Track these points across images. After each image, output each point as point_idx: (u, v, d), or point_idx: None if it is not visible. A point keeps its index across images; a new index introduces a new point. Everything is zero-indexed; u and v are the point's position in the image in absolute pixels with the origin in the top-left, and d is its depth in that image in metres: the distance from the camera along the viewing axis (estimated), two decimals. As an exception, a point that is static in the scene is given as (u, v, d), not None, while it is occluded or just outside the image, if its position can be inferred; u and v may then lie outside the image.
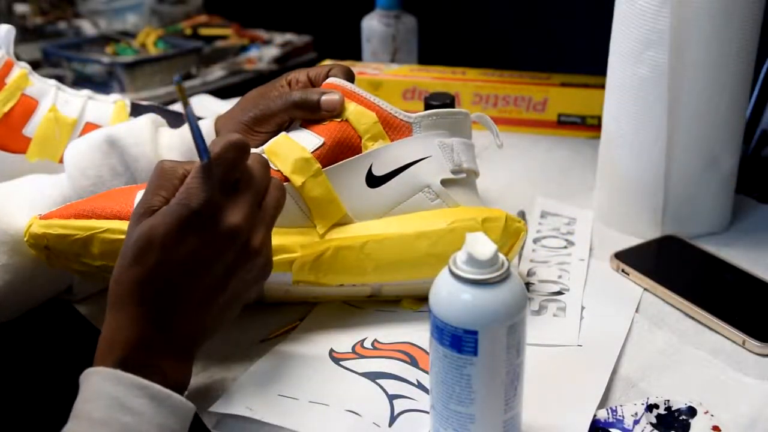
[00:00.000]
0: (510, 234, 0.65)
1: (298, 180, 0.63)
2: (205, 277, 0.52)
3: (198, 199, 0.51)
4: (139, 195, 0.61)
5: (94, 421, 0.47)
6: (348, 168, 0.65)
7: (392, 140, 0.66)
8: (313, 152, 0.64)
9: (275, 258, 0.61)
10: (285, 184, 0.63)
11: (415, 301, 0.68)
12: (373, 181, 0.65)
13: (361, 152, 0.65)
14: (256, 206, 0.54)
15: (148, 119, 0.69)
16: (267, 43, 1.47)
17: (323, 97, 0.66)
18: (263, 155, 0.57)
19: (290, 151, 0.64)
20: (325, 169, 0.64)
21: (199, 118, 0.72)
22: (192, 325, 0.53)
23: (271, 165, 0.64)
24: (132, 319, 0.51)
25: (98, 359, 0.51)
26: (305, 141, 0.65)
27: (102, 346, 0.51)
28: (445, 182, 0.66)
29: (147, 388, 0.49)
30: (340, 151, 0.65)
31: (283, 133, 0.66)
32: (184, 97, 0.49)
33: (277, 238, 0.62)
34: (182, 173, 0.54)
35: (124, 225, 0.59)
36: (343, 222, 0.64)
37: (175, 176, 0.54)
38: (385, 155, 0.65)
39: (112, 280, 0.52)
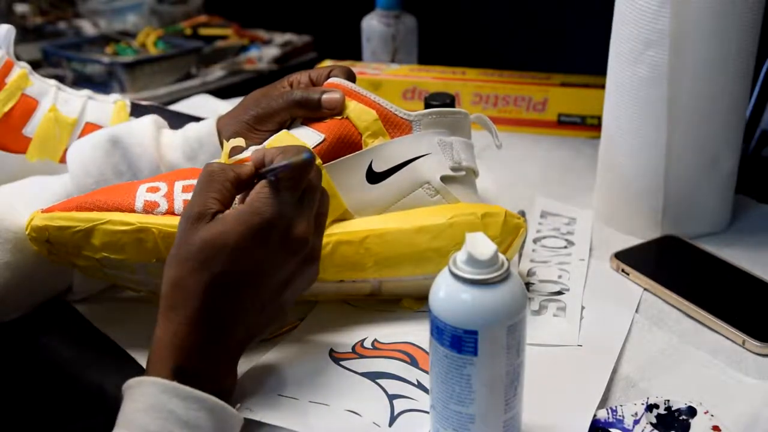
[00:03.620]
0: (509, 230, 0.65)
1: None
2: (268, 286, 0.53)
3: (272, 210, 0.51)
4: (141, 190, 0.62)
5: None
6: (348, 164, 0.65)
7: (392, 137, 0.66)
8: (313, 148, 0.64)
9: None
10: None
11: (415, 301, 0.67)
12: (374, 177, 0.65)
13: (361, 149, 0.65)
14: (313, 216, 0.55)
15: (150, 120, 0.69)
16: (267, 43, 1.47)
17: (324, 96, 0.66)
18: (318, 166, 0.58)
19: None
20: (325, 165, 0.64)
21: (201, 119, 0.72)
22: (246, 331, 0.54)
23: None
24: (191, 324, 0.51)
25: (154, 363, 0.51)
26: (306, 137, 0.65)
27: (157, 349, 0.51)
28: (444, 179, 0.66)
29: (204, 400, 0.49)
30: (340, 147, 0.65)
31: (284, 130, 0.66)
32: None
33: None
34: (233, 176, 0.54)
35: (125, 216, 0.60)
36: (343, 218, 0.64)
37: (226, 179, 0.54)
38: (385, 152, 0.65)
39: (170, 283, 0.52)
